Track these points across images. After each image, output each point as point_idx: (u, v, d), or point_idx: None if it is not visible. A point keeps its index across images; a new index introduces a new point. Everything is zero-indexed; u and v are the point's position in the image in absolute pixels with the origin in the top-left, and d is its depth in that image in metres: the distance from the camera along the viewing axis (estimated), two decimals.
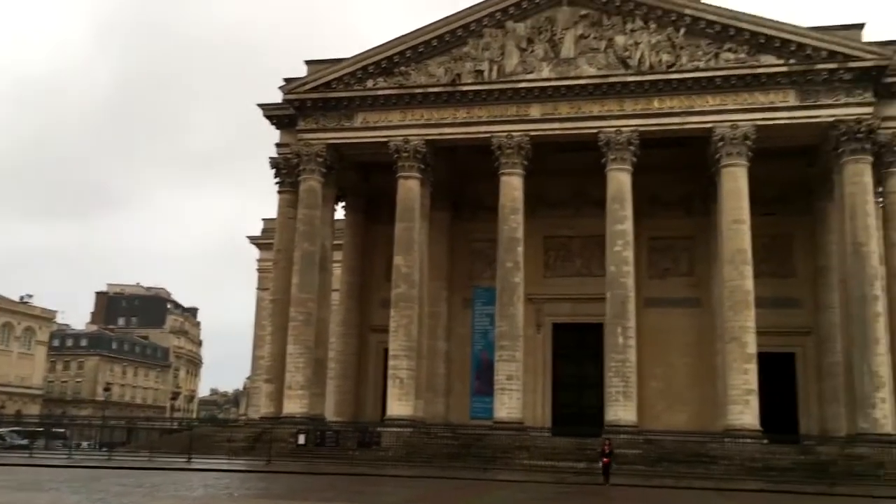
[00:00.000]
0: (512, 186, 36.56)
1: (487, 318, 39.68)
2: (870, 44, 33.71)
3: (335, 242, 42.02)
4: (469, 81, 36.98)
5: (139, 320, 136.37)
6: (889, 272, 34.37)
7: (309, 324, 37.48)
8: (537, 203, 39.84)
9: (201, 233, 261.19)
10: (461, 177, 42.21)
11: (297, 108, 38.76)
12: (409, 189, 37.63)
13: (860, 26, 34.44)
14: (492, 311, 37.68)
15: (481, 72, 37.03)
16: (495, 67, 37.00)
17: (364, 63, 38.03)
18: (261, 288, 59.46)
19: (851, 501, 23.23)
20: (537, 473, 28.10)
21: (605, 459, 25.84)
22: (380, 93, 37.82)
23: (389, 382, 36.30)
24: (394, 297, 36.91)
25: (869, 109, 33.42)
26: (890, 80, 33.79)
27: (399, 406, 35.58)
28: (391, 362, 36.47)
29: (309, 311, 37.52)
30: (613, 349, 34.25)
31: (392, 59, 37.85)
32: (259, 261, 62.10)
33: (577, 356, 40.38)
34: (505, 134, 36.42)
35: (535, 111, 36.53)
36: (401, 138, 37.46)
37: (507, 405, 34.53)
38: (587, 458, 30.33)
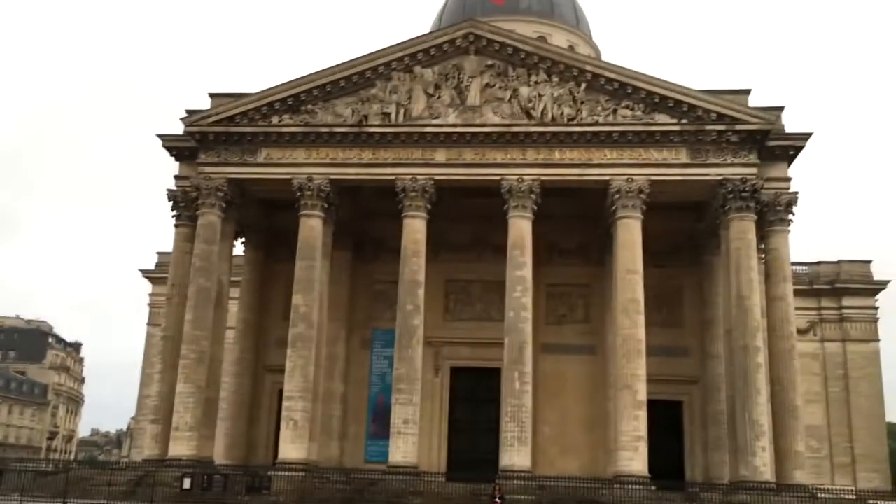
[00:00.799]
0: (415, 229, 36.70)
1: (386, 360, 39.41)
2: (755, 108, 35.76)
3: (233, 279, 41.00)
4: (376, 123, 37.15)
5: (17, 354, 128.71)
6: (770, 325, 36.03)
7: (201, 362, 36.29)
8: (440, 246, 40.16)
9: (92, 266, 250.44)
10: (364, 217, 42.14)
11: (199, 141, 37.96)
12: (312, 227, 37.25)
13: (747, 91, 36.52)
14: (391, 354, 37.41)
15: (388, 114, 37.27)
16: (402, 111, 37.33)
17: (270, 99, 37.70)
18: (152, 324, 57.41)
19: None
20: None
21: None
22: (285, 129, 37.50)
23: (283, 424, 35.40)
24: (291, 337, 36.21)
25: (754, 170, 35.32)
26: (773, 143, 35.87)
27: (292, 449, 34.70)
28: (285, 403, 35.62)
29: (202, 349, 36.35)
30: (510, 394, 34.50)
31: (299, 97, 37.67)
32: (151, 295, 60.01)
33: (474, 400, 40.50)
34: (410, 177, 36.64)
35: (440, 156, 36.95)
36: (305, 176, 37.16)
37: (403, 449, 34.18)
38: None
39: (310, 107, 37.73)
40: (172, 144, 39.47)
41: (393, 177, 36.87)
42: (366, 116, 37.27)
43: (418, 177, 36.60)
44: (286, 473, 33.49)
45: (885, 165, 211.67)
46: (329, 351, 39.58)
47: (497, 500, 25.64)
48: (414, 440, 34.58)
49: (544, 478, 33.56)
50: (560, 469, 36.06)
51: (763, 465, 32.53)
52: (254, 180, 38.42)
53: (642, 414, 33.47)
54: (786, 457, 33.90)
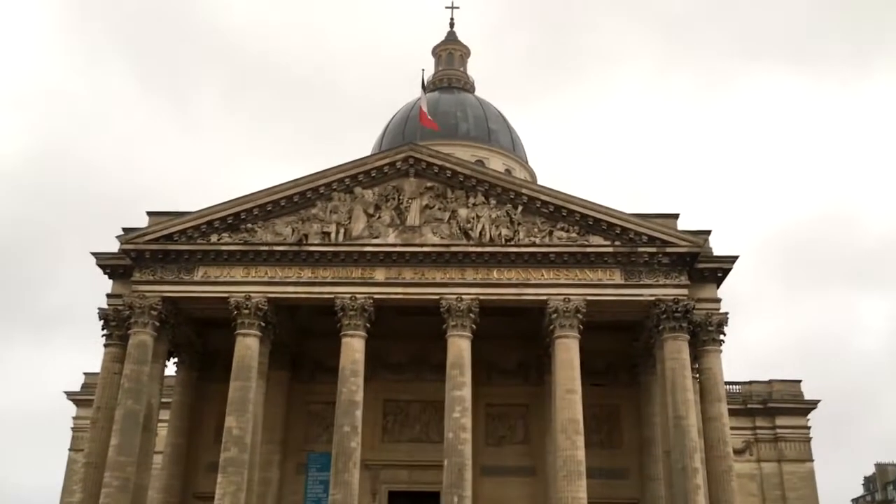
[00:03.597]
0: (353, 348, 36.36)
1: (321, 485, 38.03)
2: (684, 232, 37.18)
3: (163, 400, 39.63)
4: (316, 242, 37.33)
5: None
6: (707, 445, 36.16)
7: (125, 490, 34.47)
8: (378, 365, 39.78)
9: (8, 388, 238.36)
10: (302, 336, 41.66)
11: (135, 259, 37.48)
12: (248, 347, 36.59)
13: (676, 216, 38.06)
14: (326, 478, 36.11)
15: (328, 234, 37.56)
16: (343, 230, 37.68)
17: (209, 218, 37.70)
18: (74, 449, 54.62)
19: None
20: None
21: None
22: (224, 248, 37.37)
23: None
24: (222, 462, 34.80)
25: (685, 291, 36.35)
26: (702, 265, 37.15)
27: None
28: None
29: (127, 476, 34.61)
30: None
31: (239, 216, 37.78)
32: (75, 419, 57.37)
33: None
34: (349, 296, 36.61)
35: (379, 275, 37.16)
36: (242, 295, 36.79)
37: None
38: None
39: (250, 225, 37.82)
40: (107, 262, 38.82)
41: (332, 295, 36.80)
42: (306, 235, 37.48)
43: (357, 296, 36.60)
44: None
45: (807, 284, 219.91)
46: (262, 476, 38.10)
47: None
48: None
49: None
50: None
51: None
52: (190, 299, 37.84)
53: None
54: None
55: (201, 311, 39.16)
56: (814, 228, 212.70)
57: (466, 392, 35.60)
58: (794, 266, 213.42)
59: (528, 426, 40.80)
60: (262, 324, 36.97)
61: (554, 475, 35.36)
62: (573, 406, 34.98)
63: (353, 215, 37.91)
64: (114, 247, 38.10)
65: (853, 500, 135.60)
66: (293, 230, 37.73)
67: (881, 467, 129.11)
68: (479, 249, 36.84)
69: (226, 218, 37.72)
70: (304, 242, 37.28)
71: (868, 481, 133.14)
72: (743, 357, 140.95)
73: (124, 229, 37.90)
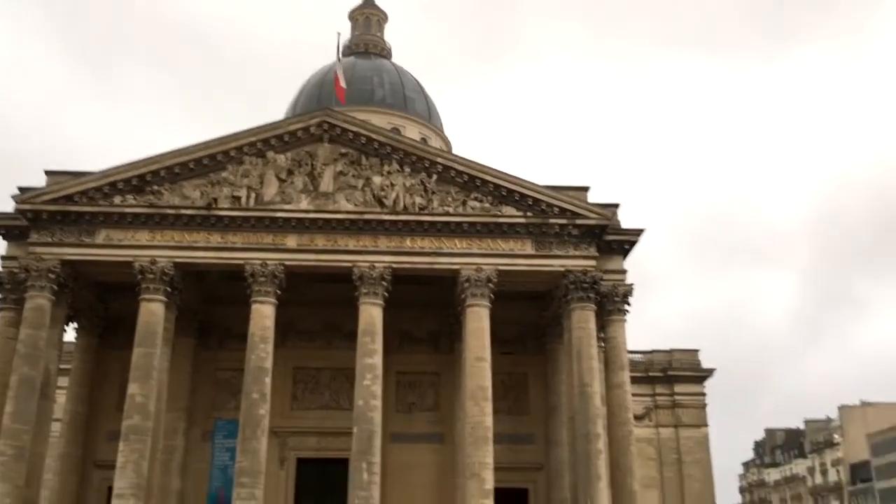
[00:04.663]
0: (263, 315, 35.87)
1: (228, 452, 37.55)
2: (594, 205, 37.99)
3: (62, 367, 38.25)
4: (226, 207, 36.45)
5: None
6: (609, 412, 37.42)
7: (20, 459, 33.24)
8: (289, 333, 39.43)
9: None
10: (210, 302, 40.80)
11: (31, 220, 35.81)
12: (152, 312, 35.61)
13: (586, 188, 38.82)
14: (233, 445, 35.69)
15: (239, 198, 36.72)
16: (254, 195, 36.91)
17: (113, 179, 36.30)
18: None
19: None
20: None
21: None
22: (128, 210, 36.11)
23: None
24: (124, 430, 33.94)
25: (593, 262, 37.24)
26: (610, 237, 38.10)
27: None
28: (115, 502, 33.08)
29: (22, 444, 33.37)
30: (358, 486, 33.69)
31: (145, 178, 36.51)
32: None
33: (320, 492, 39.19)
34: (259, 262, 36.01)
35: (291, 241, 36.65)
36: (147, 259, 35.70)
37: None
38: None
39: (156, 188, 36.60)
40: (1, 223, 37.03)
41: (242, 261, 36.13)
42: (215, 199, 36.55)
43: (268, 262, 36.04)
44: None
45: (713, 261, 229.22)
46: (166, 444, 37.37)
47: None
48: None
49: None
50: None
51: None
52: (91, 262, 36.49)
53: (489, 502, 33.49)
54: None
55: (104, 276, 37.86)
56: (721, 208, 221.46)
57: (377, 360, 35.68)
58: (702, 244, 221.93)
59: (439, 394, 41.25)
60: (168, 289, 36.02)
61: (462, 441, 35.94)
62: (482, 374, 35.54)
63: (265, 180, 37.17)
64: (9, 207, 36.35)
65: (744, 463, 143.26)
66: (202, 194, 36.74)
67: (770, 432, 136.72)
68: (392, 217, 36.75)
69: (130, 179, 36.40)
70: (214, 206, 36.37)
71: (758, 445, 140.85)
72: (651, 329, 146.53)
73: (20, 188, 36.16)
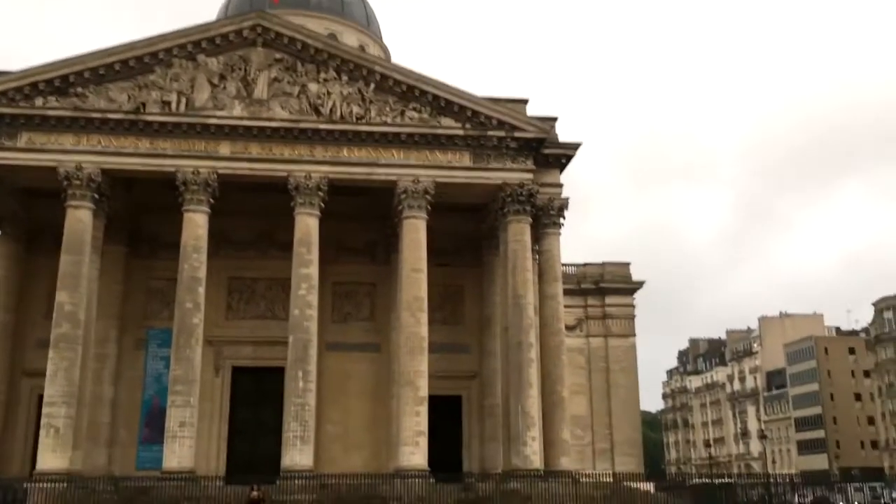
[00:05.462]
0: (196, 224, 35.23)
1: (162, 361, 37.49)
2: (532, 118, 37.91)
3: None
4: (155, 111, 35.19)
5: None
6: (542, 322, 38.37)
7: None
8: (223, 243, 38.91)
9: None
10: (141, 211, 39.79)
11: None
12: (80, 220, 34.61)
13: (525, 101, 38.64)
14: (167, 354, 35.59)
15: (169, 103, 35.46)
16: (184, 100, 35.67)
17: (35, 79, 34.58)
18: None
19: None
20: None
21: None
22: (51, 113, 34.56)
23: (42, 433, 32.57)
24: (54, 338, 33.42)
25: (530, 176, 37.42)
26: (547, 151, 38.23)
27: (52, 458, 32.04)
28: (46, 410, 32.84)
29: None
30: (293, 393, 34.12)
31: (68, 79, 34.85)
32: None
33: (257, 401, 39.54)
34: (191, 169, 35.13)
35: (224, 149, 35.75)
36: (73, 164, 34.45)
37: (179, 454, 32.70)
38: None
39: (80, 90, 35.04)
40: None
41: (173, 169, 35.19)
42: (143, 104, 35.23)
43: (200, 170, 35.18)
44: (46, 485, 30.85)
45: (645, 175, 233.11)
46: (98, 352, 37.00)
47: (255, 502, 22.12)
48: (191, 444, 33.20)
49: (327, 476, 33.50)
50: (343, 467, 36.13)
51: (533, 454, 34.58)
52: (12, 167, 35.04)
53: (424, 410, 34.37)
54: (553, 445, 36.29)
55: (27, 181, 36.50)
56: (658, 126, 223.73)
57: (313, 270, 35.62)
58: (639, 161, 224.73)
59: (375, 304, 41.54)
60: (96, 196, 34.97)
61: (398, 351, 36.51)
62: (419, 284, 35.87)
63: (196, 85, 35.89)
64: None
65: (668, 371, 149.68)
66: (129, 97, 35.36)
67: (693, 342, 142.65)
68: (329, 127, 36.07)
69: (52, 80, 34.73)
70: (142, 111, 35.09)
71: (682, 354, 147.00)
72: (586, 244, 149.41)
73: None
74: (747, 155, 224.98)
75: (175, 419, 33.12)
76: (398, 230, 37.29)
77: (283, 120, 35.96)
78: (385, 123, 36.63)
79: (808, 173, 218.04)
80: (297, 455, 33.11)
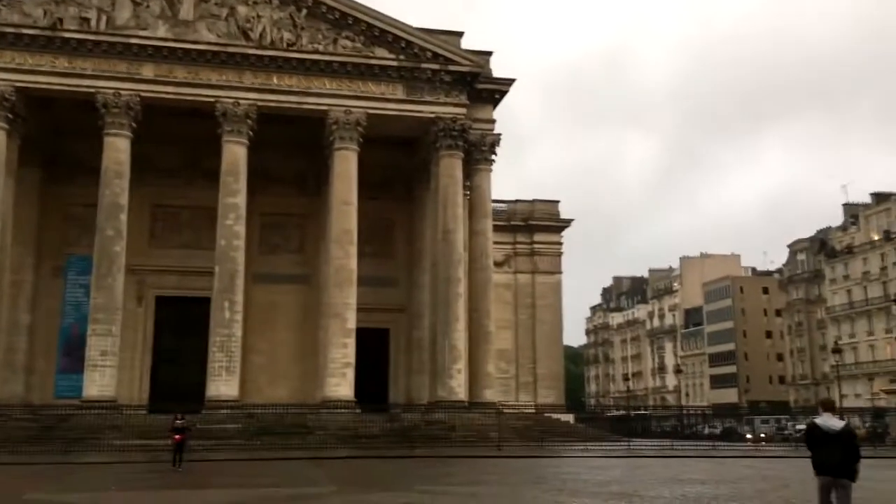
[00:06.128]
0: (117, 149, 34.04)
1: (82, 289, 36.54)
2: (467, 51, 37.54)
3: None
4: (73, 28, 33.51)
5: None
6: (471, 258, 38.72)
7: None
8: (146, 169, 37.69)
9: None
10: (59, 133, 38.16)
11: None
12: None
13: (460, 34, 38.16)
14: (88, 282, 34.73)
15: (88, 20, 33.81)
16: (105, 18, 34.07)
17: None
18: None
19: (424, 461, 25.82)
20: (129, 453, 26.68)
21: (176, 437, 22.06)
22: None
23: None
24: None
25: (463, 110, 37.23)
26: (481, 86, 38.01)
27: None
28: None
29: None
30: (219, 324, 33.83)
31: None
32: None
33: (182, 331, 39.04)
34: (112, 91, 33.77)
35: (147, 71, 34.41)
36: None
37: (100, 383, 32.24)
38: (188, 436, 29.44)
39: None
40: None
41: (93, 90, 33.74)
42: (61, 20, 33.48)
43: (122, 92, 33.85)
44: None
45: (578, 114, 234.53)
46: (14, 279, 35.84)
47: (179, 431, 21.79)
48: (112, 373, 32.75)
49: (252, 405, 33.61)
50: (269, 397, 36.25)
51: (458, 386, 35.30)
52: None
53: (351, 342, 34.58)
54: (478, 378, 37.09)
55: None
56: (594, 67, 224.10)
57: (241, 200, 34.99)
58: (573, 101, 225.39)
59: (304, 236, 41.16)
60: (10, 116, 33.41)
61: (326, 283, 36.43)
62: (348, 217, 35.65)
63: (118, 2, 34.29)
64: None
65: (591, 308, 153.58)
66: (46, 12, 33.55)
67: (617, 280, 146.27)
68: (258, 52, 35.00)
69: None
70: (59, 27, 33.36)
71: (606, 292, 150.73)
72: (519, 182, 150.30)
73: None
74: (678, 99, 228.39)
75: (96, 348, 32.52)
76: (329, 162, 36.80)
77: (209, 43, 34.72)
78: (317, 51, 35.75)
79: (735, 119, 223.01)
80: (223, 385, 33.02)
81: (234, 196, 34.81)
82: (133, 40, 33.88)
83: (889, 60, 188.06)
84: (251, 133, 35.33)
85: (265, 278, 39.50)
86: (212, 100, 34.75)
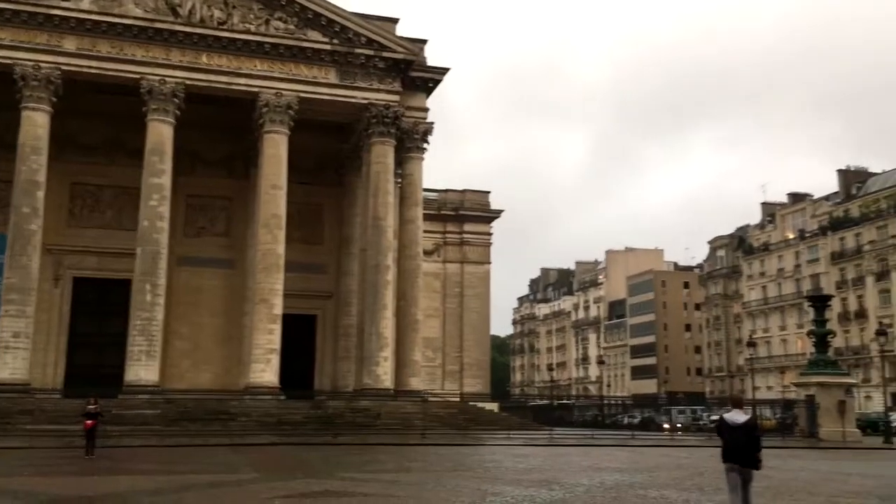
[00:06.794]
0: (35, 123, 32.74)
1: None
2: (402, 38, 37.36)
3: None
4: None
5: None
6: (401, 246, 38.67)
7: None
8: (67, 145, 36.45)
9: None
10: None
11: None
12: None
13: (395, 20, 37.97)
14: (1, 261, 33.37)
15: None
16: None
17: None
18: None
19: (348, 448, 25.73)
20: (41, 438, 25.79)
21: (87, 422, 21.07)
22: None
23: None
24: None
25: (397, 97, 37.06)
26: (415, 74, 37.91)
27: None
28: None
29: None
30: (140, 307, 32.99)
31: None
32: None
33: (100, 313, 38.01)
34: (32, 64, 32.45)
35: (70, 44, 33.16)
36: None
37: (12, 365, 31.09)
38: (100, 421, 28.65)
39: None
40: None
41: (10, 61, 32.38)
42: None
43: (42, 65, 32.57)
44: None
45: (514, 107, 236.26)
46: None
47: (91, 417, 20.88)
48: (25, 355, 31.63)
49: (172, 391, 32.95)
50: (191, 383, 35.60)
51: (384, 374, 35.29)
52: None
53: (277, 328, 34.16)
54: (405, 366, 37.15)
55: None
56: (535, 64, 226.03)
57: (165, 180, 34.13)
58: (511, 96, 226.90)
59: (231, 219, 40.42)
60: None
61: (253, 268, 35.89)
62: (277, 201, 35.16)
63: None
64: None
65: (519, 298, 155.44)
66: None
67: (545, 271, 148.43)
68: (187, 29, 34.13)
69: None
70: None
71: (533, 283, 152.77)
72: (453, 172, 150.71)
73: None
74: (611, 96, 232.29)
75: (8, 329, 31.34)
76: (259, 145, 36.20)
77: (136, 18, 33.68)
78: (248, 31, 35.07)
79: (665, 118, 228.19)
80: (142, 370, 32.24)
81: (159, 176, 33.92)
82: (55, 11, 32.61)
83: (808, 67, 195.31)
84: (178, 112, 34.45)
85: (190, 261, 38.68)
86: (137, 76, 33.75)
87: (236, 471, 18.53)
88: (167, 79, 33.95)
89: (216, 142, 39.29)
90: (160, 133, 34.10)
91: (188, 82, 34.43)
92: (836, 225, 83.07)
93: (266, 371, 33.48)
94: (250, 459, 21.16)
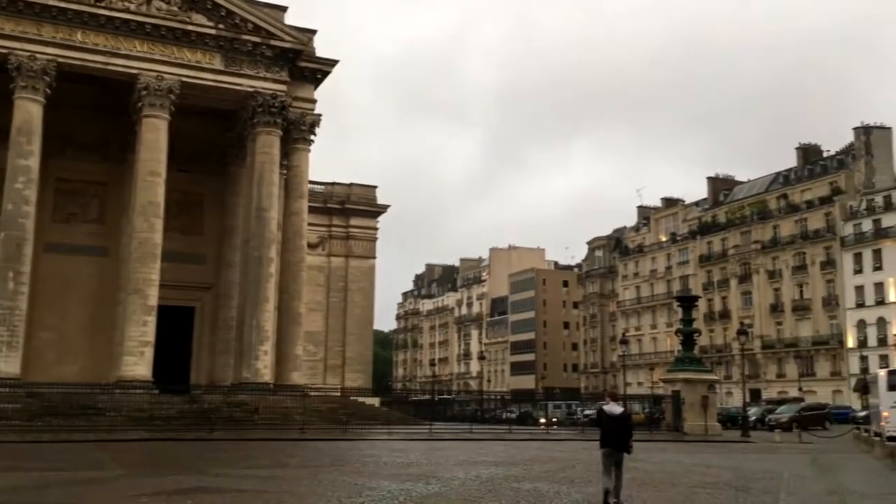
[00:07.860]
0: None
1: None
2: (290, 27, 36.77)
3: None
4: None
5: None
6: (284, 238, 38.06)
7: None
8: None
9: None
10: None
11: None
12: None
13: (284, 8, 37.33)
14: None
15: None
16: None
17: None
18: None
19: (224, 444, 25.18)
20: None
21: None
22: None
23: None
24: None
25: (284, 87, 36.45)
26: (303, 64, 37.40)
27: None
28: None
29: None
30: (2, 295, 31.15)
31: None
32: None
33: None
34: None
35: None
36: None
37: None
38: None
39: None
40: None
41: None
42: None
43: None
44: None
45: (415, 112, 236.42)
46: None
47: None
48: None
49: (36, 384, 31.20)
50: (57, 376, 33.75)
51: (264, 368, 34.69)
52: None
53: (151, 319, 33.00)
54: (286, 360, 36.65)
55: None
56: (429, 63, 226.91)
57: (33, 162, 32.33)
58: (407, 93, 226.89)
59: (105, 206, 38.59)
60: None
61: (127, 256, 34.49)
62: (155, 189, 33.92)
63: None
64: None
65: (403, 294, 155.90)
66: None
67: (430, 267, 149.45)
68: (60, 4, 32.42)
69: None
70: None
71: (418, 278, 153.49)
72: (351, 167, 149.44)
73: None
74: (501, 97, 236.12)
75: None
76: (136, 129, 34.80)
77: None
78: (128, 10, 33.66)
79: (551, 122, 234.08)
80: (2, 362, 30.49)
81: (26, 158, 32.09)
82: None
83: (686, 80, 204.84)
84: (48, 91, 32.68)
85: (58, 248, 36.69)
86: (4, 51, 31.83)
87: (102, 468, 17.79)
88: (38, 55, 32.17)
89: (91, 124, 37.42)
90: (29, 112, 32.27)
91: (60, 60, 32.73)
92: (705, 230, 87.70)
93: (139, 364, 32.26)
94: (117, 456, 20.37)
